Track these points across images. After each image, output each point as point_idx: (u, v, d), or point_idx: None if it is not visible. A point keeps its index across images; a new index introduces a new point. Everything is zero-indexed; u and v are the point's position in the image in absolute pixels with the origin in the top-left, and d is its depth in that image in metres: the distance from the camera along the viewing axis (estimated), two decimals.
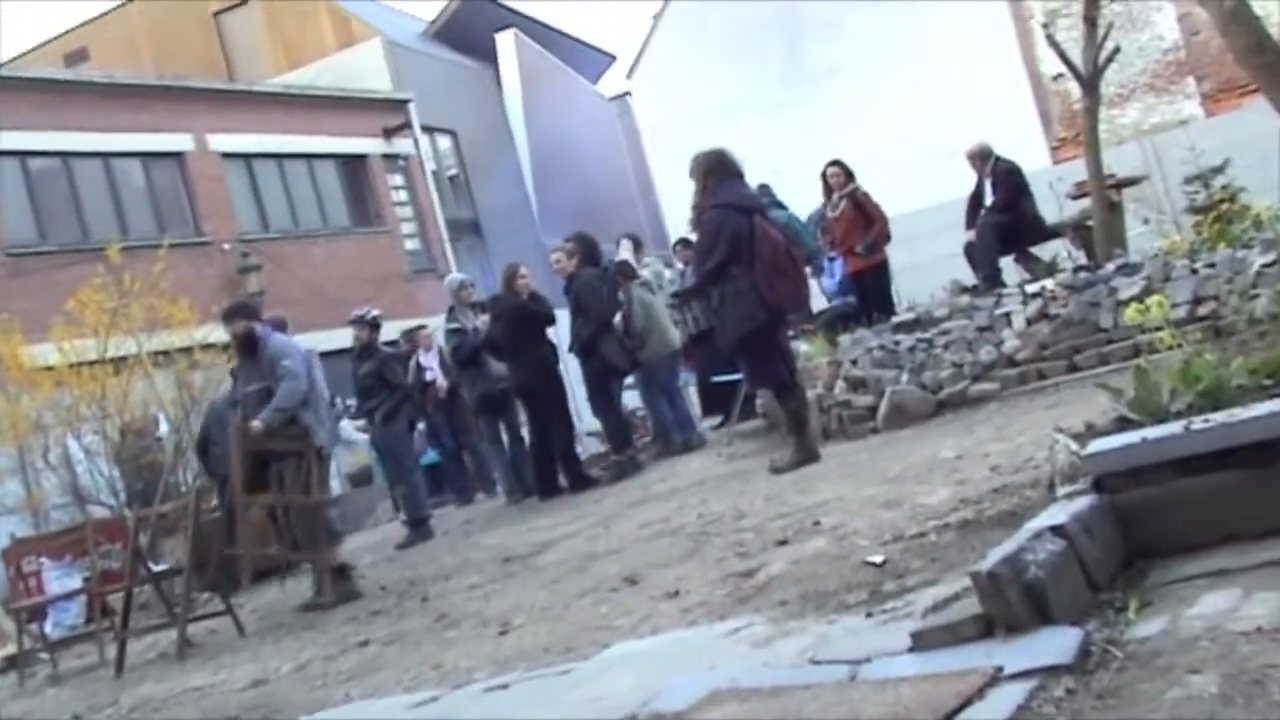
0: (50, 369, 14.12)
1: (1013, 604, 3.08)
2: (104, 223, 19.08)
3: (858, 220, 12.37)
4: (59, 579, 10.63)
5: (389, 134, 25.54)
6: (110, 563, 10.47)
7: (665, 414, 11.78)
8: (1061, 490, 3.86)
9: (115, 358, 14.37)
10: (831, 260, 13.01)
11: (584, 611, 5.26)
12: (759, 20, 27.83)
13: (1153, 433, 3.64)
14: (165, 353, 14.80)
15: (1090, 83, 10.96)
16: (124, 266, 14.78)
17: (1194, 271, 8.35)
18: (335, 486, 14.85)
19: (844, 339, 10.01)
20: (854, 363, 9.38)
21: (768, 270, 7.97)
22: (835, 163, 12.65)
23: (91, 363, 14.15)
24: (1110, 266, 9.13)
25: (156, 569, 9.21)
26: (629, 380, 12.13)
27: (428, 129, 27.04)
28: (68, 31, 30.83)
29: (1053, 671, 2.81)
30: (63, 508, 13.94)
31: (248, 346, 8.83)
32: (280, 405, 8.42)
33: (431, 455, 15.64)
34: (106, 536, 10.79)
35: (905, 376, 8.99)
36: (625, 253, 12.37)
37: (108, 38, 29.96)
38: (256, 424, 8.44)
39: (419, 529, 11.54)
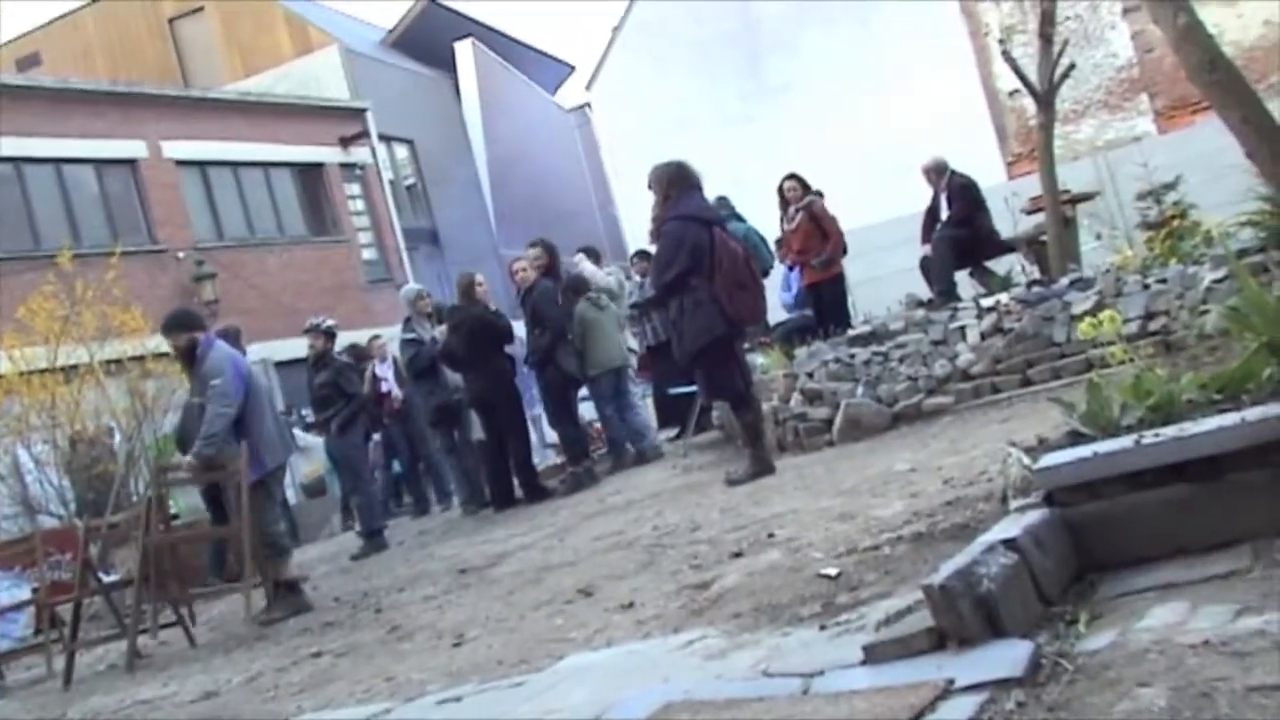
0: (0, 377, 13.96)
1: (965, 617, 3.08)
2: (56, 229, 18.91)
3: (814, 233, 12.42)
4: (7, 590, 10.50)
5: (346, 143, 25.43)
6: (60, 573, 10.40)
7: (616, 425, 11.76)
8: (1014, 503, 3.87)
9: (66, 366, 14.21)
10: (791, 270, 13.05)
11: (538, 623, 5.23)
12: (718, 34, 27.94)
13: (1104, 447, 3.65)
14: (117, 361, 14.64)
15: (1045, 99, 11.07)
16: (76, 274, 14.63)
17: (1146, 287, 8.44)
18: (290, 496, 14.75)
19: (800, 352, 10.03)
20: (810, 375, 9.40)
21: (728, 282, 7.97)
22: (792, 176, 12.71)
23: (42, 371, 13.99)
24: (1064, 281, 9.21)
25: (107, 580, 9.10)
26: (584, 391, 12.10)
27: (385, 138, 26.97)
28: (20, 36, 30.55)
29: (1004, 684, 2.82)
30: (12, 518, 13.77)
31: (190, 358, 8.64)
32: (207, 434, 8.19)
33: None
34: (56, 547, 10.72)
35: (860, 389, 9.02)
36: (584, 266, 12.34)
37: (61, 43, 29.71)
38: (190, 459, 8.35)
39: (374, 540, 11.47)
